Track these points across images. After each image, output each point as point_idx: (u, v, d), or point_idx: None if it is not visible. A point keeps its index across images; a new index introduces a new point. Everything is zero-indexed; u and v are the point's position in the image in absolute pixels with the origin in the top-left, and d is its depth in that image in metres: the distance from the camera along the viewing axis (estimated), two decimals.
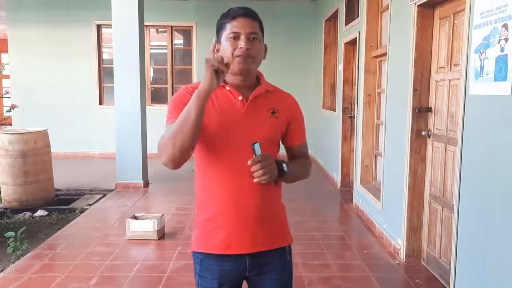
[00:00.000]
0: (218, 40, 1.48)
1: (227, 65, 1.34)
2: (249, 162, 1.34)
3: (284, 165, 1.43)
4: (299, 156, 1.63)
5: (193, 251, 1.56)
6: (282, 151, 1.62)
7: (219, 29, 1.48)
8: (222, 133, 1.43)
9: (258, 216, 1.46)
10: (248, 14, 1.45)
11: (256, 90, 1.49)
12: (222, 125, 1.43)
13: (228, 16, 1.46)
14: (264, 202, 1.46)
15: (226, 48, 1.43)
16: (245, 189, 1.43)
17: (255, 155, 1.35)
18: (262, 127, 1.46)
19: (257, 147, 1.36)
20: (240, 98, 1.47)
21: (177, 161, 1.36)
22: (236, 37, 1.42)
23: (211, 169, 1.47)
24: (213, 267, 1.50)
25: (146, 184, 6.13)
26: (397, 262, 3.55)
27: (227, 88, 1.48)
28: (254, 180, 1.36)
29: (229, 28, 1.44)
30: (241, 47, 1.41)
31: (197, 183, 1.54)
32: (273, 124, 1.49)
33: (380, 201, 4.18)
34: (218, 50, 1.47)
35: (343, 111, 5.89)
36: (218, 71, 1.30)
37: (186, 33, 8.81)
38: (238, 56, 1.42)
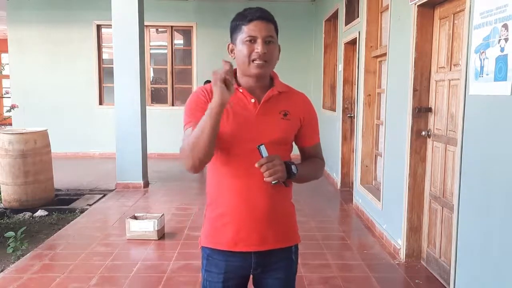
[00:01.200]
0: (233, 41, 1.49)
1: (235, 72, 1.37)
2: (256, 165, 1.37)
3: (293, 166, 1.44)
4: (312, 157, 1.64)
5: (202, 246, 1.58)
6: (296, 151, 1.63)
7: (234, 30, 1.49)
8: (235, 135, 1.45)
9: (267, 216, 1.48)
10: (265, 17, 1.46)
11: (268, 92, 1.50)
12: (234, 126, 1.45)
13: (245, 18, 1.45)
14: (273, 202, 1.49)
15: (241, 51, 1.45)
16: (255, 189, 1.46)
17: (262, 157, 1.38)
18: (274, 129, 1.48)
19: (263, 149, 1.39)
20: (253, 100, 1.48)
21: (198, 169, 1.42)
22: (252, 40, 1.43)
23: (223, 169, 1.49)
24: (219, 262, 1.53)
25: (146, 184, 6.13)
26: (397, 262, 3.55)
27: (240, 90, 1.49)
28: (265, 179, 1.39)
29: (246, 31, 1.44)
30: (257, 51, 1.42)
31: (209, 180, 1.56)
32: (284, 126, 1.50)
33: (380, 201, 4.18)
34: (232, 51, 1.49)
35: (343, 111, 5.89)
36: (226, 81, 1.31)
37: (186, 33, 8.81)
38: (254, 60, 1.43)
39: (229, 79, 1.31)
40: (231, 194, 1.48)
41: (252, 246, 1.49)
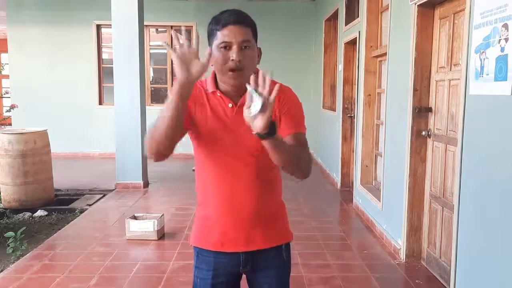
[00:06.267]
0: (210, 46, 1.41)
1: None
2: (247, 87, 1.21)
3: (276, 124, 1.26)
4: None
5: (192, 245, 1.60)
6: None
7: (210, 35, 1.42)
8: (215, 138, 1.44)
9: (253, 217, 1.47)
10: (240, 21, 1.37)
11: (244, 95, 1.40)
12: (214, 130, 1.44)
13: (219, 23, 1.38)
14: (259, 203, 1.47)
15: (218, 58, 1.37)
16: (240, 190, 1.45)
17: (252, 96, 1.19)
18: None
19: (253, 92, 1.20)
20: (230, 105, 1.44)
21: (158, 156, 1.38)
22: (227, 47, 1.35)
23: (207, 171, 1.49)
24: (209, 259, 1.54)
25: (146, 184, 6.12)
26: (397, 262, 3.55)
27: (218, 94, 1.45)
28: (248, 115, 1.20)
29: (220, 37, 1.36)
30: (233, 59, 1.34)
31: (196, 182, 1.57)
32: None
33: (380, 201, 4.17)
34: (210, 55, 1.41)
35: (343, 111, 5.89)
36: (186, 56, 1.23)
37: (186, 33, 8.79)
38: (230, 70, 1.36)
39: (188, 58, 1.20)
40: (216, 197, 1.48)
41: (239, 247, 1.49)
